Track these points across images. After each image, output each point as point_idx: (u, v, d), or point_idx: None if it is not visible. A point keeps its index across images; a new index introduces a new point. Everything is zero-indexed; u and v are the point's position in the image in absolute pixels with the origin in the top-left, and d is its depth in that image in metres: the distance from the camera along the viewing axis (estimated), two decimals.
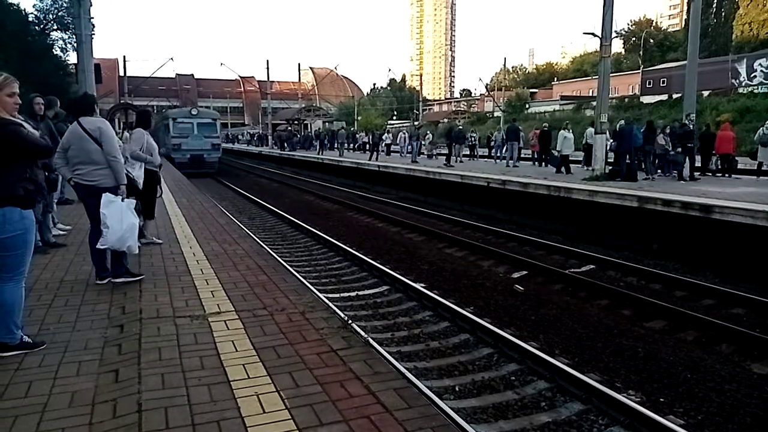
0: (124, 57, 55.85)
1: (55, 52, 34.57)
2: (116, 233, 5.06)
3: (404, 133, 32.73)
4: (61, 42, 35.23)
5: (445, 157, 24.17)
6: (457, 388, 5.41)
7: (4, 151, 3.55)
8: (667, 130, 16.06)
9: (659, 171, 16.13)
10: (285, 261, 9.31)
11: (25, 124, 3.78)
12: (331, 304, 5.82)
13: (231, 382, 3.32)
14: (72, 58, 33.11)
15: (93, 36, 12.01)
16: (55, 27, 34.74)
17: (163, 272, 5.92)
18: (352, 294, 8.50)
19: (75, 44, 12.96)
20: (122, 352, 3.82)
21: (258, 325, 4.30)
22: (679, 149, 15.43)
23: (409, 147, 27.97)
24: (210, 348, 3.85)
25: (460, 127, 27.81)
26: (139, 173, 6.88)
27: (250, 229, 12.59)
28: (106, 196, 5.05)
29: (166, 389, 3.24)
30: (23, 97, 4.05)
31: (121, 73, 51.50)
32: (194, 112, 31.32)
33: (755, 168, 16.37)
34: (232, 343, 3.94)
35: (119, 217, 5.08)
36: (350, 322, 4.75)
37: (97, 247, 5.20)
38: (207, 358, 3.67)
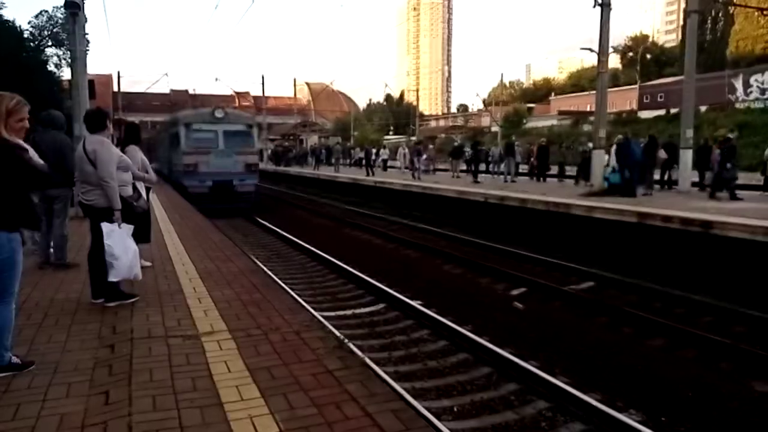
0: (119, 73, 56.08)
1: (49, 68, 34.69)
2: (125, 263, 5.05)
3: (403, 149, 32.73)
4: (55, 58, 35.41)
5: (472, 175, 22.66)
6: (455, 409, 5.33)
7: (1, 173, 3.52)
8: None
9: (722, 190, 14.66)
10: (279, 279, 9.22)
11: (31, 151, 3.74)
12: (326, 323, 5.76)
13: (224, 405, 3.25)
14: (66, 73, 33.21)
15: (87, 52, 12.04)
16: (49, 43, 34.92)
17: (156, 291, 5.85)
18: (348, 312, 8.42)
19: (69, 60, 12.95)
20: (113, 373, 3.75)
21: (252, 345, 4.23)
22: (729, 165, 14.53)
23: (409, 163, 27.71)
24: (202, 369, 3.78)
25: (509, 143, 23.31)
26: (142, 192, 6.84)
27: (244, 247, 12.56)
28: (105, 226, 5.00)
29: (157, 411, 3.17)
30: None
31: (115, 89, 51.59)
32: (219, 114, 19.81)
33: (761, 183, 16.41)
34: (225, 363, 3.87)
35: (123, 245, 5.05)
36: (346, 341, 4.67)
37: (109, 280, 5.14)
38: (199, 380, 3.60)
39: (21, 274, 3.78)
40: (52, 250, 7.04)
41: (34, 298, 5.57)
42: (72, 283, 6.19)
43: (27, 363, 3.83)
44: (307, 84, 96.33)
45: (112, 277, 5.07)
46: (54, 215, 6.82)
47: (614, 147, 16.54)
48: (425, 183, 20.80)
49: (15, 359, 3.79)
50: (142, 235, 6.01)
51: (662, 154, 17.08)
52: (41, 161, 3.86)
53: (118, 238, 5.03)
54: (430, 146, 32.95)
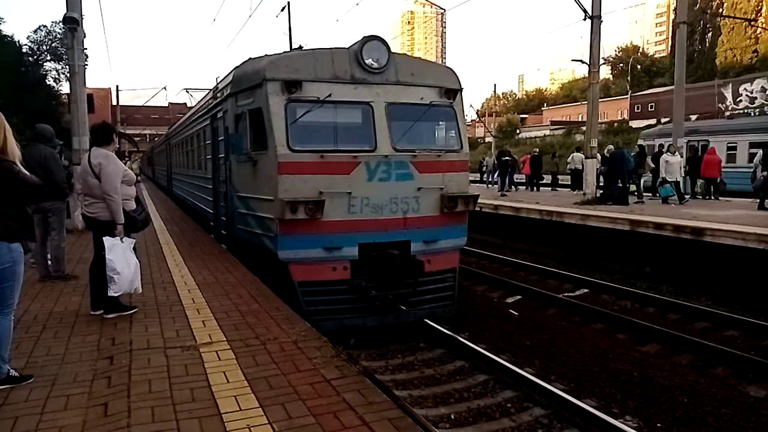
0: (117, 86, 56.10)
1: (48, 83, 34.73)
2: (127, 277, 5.08)
3: None
4: (54, 72, 35.47)
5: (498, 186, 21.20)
6: (452, 416, 5.35)
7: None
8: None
9: None
10: None
11: (19, 164, 3.75)
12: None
13: (222, 415, 3.26)
14: (65, 87, 33.22)
15: (86, 66, 12.06)
16: (48, 58, 34.99)
17: (154, 302, 5.85)
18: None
19: (68, 74, 13.00)
20: (111, 384, 3.75)
21: (250, 355, 4.24)
22: (765, 173, 13.42)
23: None
24: (201, 379, 3.79)
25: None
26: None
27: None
28: (107, 240, 5.03)
29: (156, 423, 3.18)
30: (15, 127, 4.03)
31: (114, 102, 51.61)
32: (375, 60, 7.22)
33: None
34: (223, 374, 3.88)
35: (125, 259, 5.08)
36: (352, 342, 4.66)
37: (109, 294, 5.15)
38: (198, 390, 3.61)
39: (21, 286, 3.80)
40: (50, 262, 7.04)
41: (33, 310, 5.57)
42: (71, 295, 6.19)
43: (25, 376, 3.83)
44: None
45: (113, 292, 5.09)
46: (50, 227, 6.82)
47: (599, 156, 16.64)
48: None
49: (13, 372, 3.79)
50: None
51: (650, 163, 17.23)
52: (31, 175, 3.86)
53: (120, 252, 5.05)
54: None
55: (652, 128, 29.85)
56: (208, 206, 11.16)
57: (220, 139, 9.27)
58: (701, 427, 5.22)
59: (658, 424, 5.25)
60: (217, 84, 9.73)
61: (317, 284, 6.90)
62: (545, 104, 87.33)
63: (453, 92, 7.80)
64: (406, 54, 7.79)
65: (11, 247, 3.61)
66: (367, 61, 7.15)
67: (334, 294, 6.95)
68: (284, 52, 8.32)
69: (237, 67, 8.20)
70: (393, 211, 7.14)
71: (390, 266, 6.93)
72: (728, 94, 41.00)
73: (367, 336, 7.15)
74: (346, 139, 7.25)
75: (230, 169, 8.54)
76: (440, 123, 8.10)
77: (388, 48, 7.33)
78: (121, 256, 5.03)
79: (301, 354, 4.30)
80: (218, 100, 9.38)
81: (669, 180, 15.39)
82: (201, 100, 13.32)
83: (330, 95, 6.91)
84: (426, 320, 7.42)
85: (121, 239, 5.13)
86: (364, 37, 7.26)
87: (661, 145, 19.37)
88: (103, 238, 5.03)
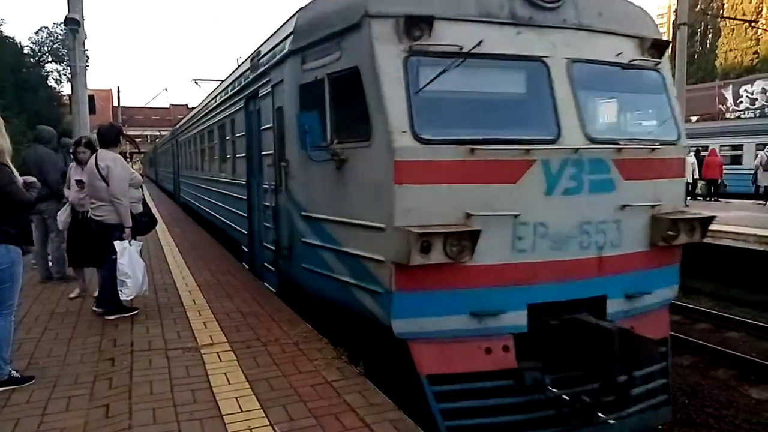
0: (118, 88, 56.16)
1: (49, 84, 34.74)
2: (137, 281, 5.09)
3: None
4: (55, 73, 35.45)
5: None
6: None
7: None
8: None
9: None
10: None
11: (15, 173, 3.74)
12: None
13: (224, 416, 3.26)
14: (66, 89, 33.21)
15: (87, 67, 12.04)
16: (50, 59, 34.98)
17: (155, 303, 5.85)
18: None
19: (69, 76, 13.02)
20: (113, 386, 3.76)
21: (251, 357, 4.25)
22: None
23: None
24: (202, 381, 3.79)
25: None
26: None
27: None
28: (118, 245, 5.02)
29: (157, 424, 3.18)
30: (16, 128, 4.05)
31: (116, 104, 51.71)
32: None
33: (752, 192, 16.51)
34: (224, 375, 3.89)
35: (134, 263, 5.10)
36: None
37: (122, 299, 5.18)
38: (199, 392, 3.61)
39: (21, 287, 3.80)
40: (50, 263, 7.04)
41: (34, 311, 5.58)
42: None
43: (27, 377, 3.84)
44: None
45: (125, 296, 5.10)
46: (48, 230, 6.80)
47: None
48: None
49: (15, 373, 3.81)
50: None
51: None
52: (24, 191, 3.83)
53: (129, 256, 5.05)
54: None
55: None
56: (239, 225, 8.21)
57: (264, 127, 6.41)
58: (702, 428, 5.22)
59: (660, 426, 5.24)
60: (259, 47, 6.70)
61: (461, 379, 3.93)
62: None
63: (659, 47, 4.74)
64: None
65: (9, 248, 3.63)
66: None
67: (490, 395, 3.95)
68: None
69: (302, 8, 5.13)
70: (584, 246, 4.19)
71: (602, 349, 3.82)
72: (729, 95, 41.00)
73: None
74: (506, 122, 4.37)
75: (287, 173, 5.47)
76: (644, 95, 5.08)
77: None
78: (130, 260, 5.04)
79: (303, 355, 4.30)
80: (262, 69, 6.35)
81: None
82: (227, 77, 9.47)
83: (480, 43, 3.98)
84: None
85: (129, 242, 5.13)
86: None
87: None
88: (114, 243, 5.02)
